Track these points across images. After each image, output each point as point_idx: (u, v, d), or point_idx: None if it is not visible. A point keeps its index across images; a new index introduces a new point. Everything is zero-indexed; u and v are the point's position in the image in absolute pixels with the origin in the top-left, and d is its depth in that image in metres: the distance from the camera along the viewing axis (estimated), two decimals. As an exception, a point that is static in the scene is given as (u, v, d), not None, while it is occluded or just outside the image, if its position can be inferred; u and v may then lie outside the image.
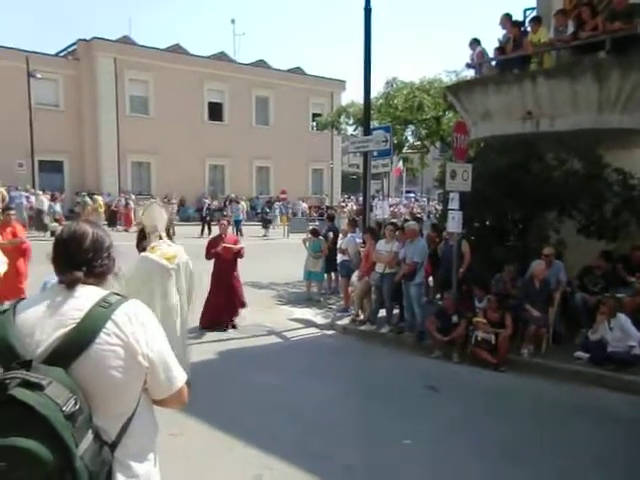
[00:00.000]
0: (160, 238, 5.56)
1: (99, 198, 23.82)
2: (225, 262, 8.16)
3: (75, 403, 1.51)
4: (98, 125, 29.39)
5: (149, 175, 31.40)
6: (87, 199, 23.61)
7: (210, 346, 7.28)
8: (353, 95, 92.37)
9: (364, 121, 10.14)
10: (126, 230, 22.06)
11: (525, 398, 5.79)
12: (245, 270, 11.81)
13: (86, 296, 1.71)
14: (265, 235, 23.17)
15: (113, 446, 1.68)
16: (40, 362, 1.56)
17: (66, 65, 29.30)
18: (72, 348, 1.60)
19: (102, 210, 23.56)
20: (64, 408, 1.47)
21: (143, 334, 1.73)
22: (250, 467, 4.11)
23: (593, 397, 5.85)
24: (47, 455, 1.42)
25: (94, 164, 29.62)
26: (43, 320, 1.65)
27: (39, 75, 23.98)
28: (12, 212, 7.95)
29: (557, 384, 6.17)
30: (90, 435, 1.57)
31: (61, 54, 31.13)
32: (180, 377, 1.87)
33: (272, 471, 4.09)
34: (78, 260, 1.76)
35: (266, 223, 24.20)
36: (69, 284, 1.73)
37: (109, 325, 1.66)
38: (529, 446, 4.60)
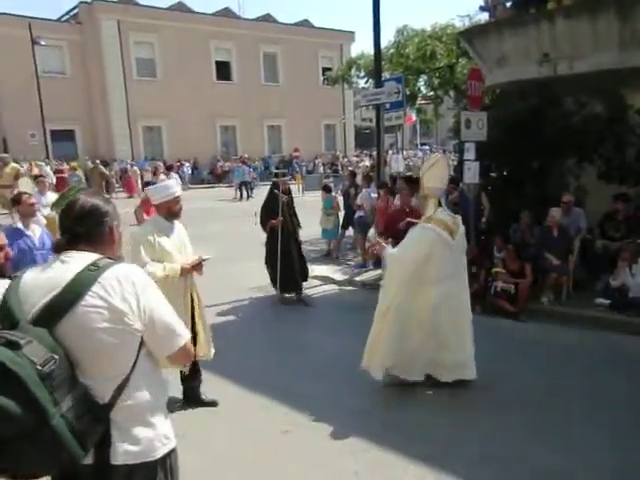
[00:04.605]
0: (440, 205, 4.66)
1: (100, 166, 22.91)
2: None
3: (54, 362, 1.55)
4: (106, 91, 29.19)
5: (160, 139, 31.32)
6: (93, 164, 23.13)
7: (229, 306, 7.39)
8: (363, 46, 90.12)
9: (375, 73, 9.87)
10: (131, 196, 21.74)
11: (548, 346, 5.80)
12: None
13: (77, 261, 1.76)
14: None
15: (107, 407, 1.71)
16: (29, 323, 1.62)
17: (69, 30, 28.92)
18: (57, 310, 1.66)
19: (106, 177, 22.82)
20: (39, 367, 1.51)
21: (134, 294, 1.75)
22: (277, 424, 4.18)
23: (615, 343, 5.83)
24: (18, 412, 1.46)
25: (105, 131, 29.60)
26: (38, 284, 1.72)
27: (43, 42, 23.62)
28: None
29: (578, 331, 6.16)
30: (76, 394, 1.60)
31: (63, 19, 30.66)
32: (182, 335, 1.89)
33: (299, 428, 4.16)
34: (64, 227, 1.86)
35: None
36: (55, 249, 1.85)
37: (95, 287, 1.70)
38: (567, 396, 4.60)
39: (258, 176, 26.80)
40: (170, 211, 4.15)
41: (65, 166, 21.00)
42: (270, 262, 7.49)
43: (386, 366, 4.60)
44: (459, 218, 4.73)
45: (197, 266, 4.15)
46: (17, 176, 14.79)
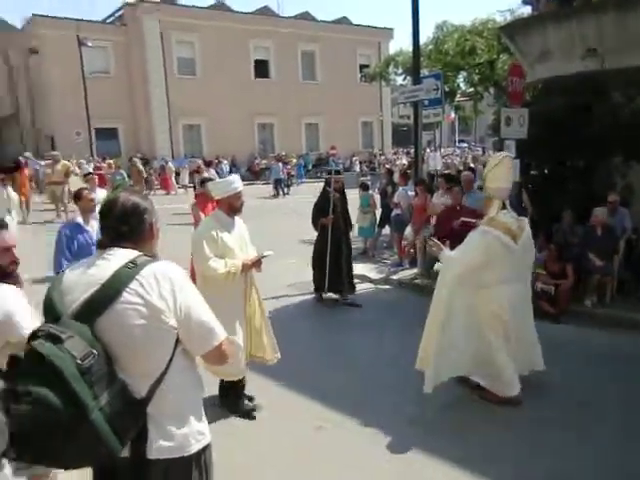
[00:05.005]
0: (504, 207, 4.42)
1: (138, 164, 22.86)
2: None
3: (93, 357, 1.59)
4: (148, 89, 29.84)
5: (200, 137, 31.81)
6: (130, 162, 23.17)
7: (267, 302, 7.43)
8: (401, 44, 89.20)
9: (413, 69, 9.76)
10: (167, 193, 22.26)
11: (587, 349, 5.63)
12: (300, 227, 11.90)
13: (117, 258, 1.79)
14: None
15: (144, 402, 1.74)
16: (70, 318, 1.67)
17: (114, 31, 29.75)
18: (96, 306, 1.70)
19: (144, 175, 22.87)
20: (79, 361, 1.55)
21: (171, 292, 1.78)
22: (313, 422, 4.20)
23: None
24: (58, 404, 1.51)
25: (147, 129, 30.27)
26: (79, 280, 1.77)
27: (90, 43, 24.36)
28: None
29: (621, 335, 5.95)
30: (114, 389, 1.64)
31: (108, 20, 31.52)
32: (218, 334, 1.90)
33: (336, 427, 4.16)
34: (107, 226, 1.89)
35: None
36: (98, 246, 1.88)
37: (133, 284, 1.73)
38: (605, 401, 4.50)
39: (296, 174, 26.91)
40: (232, 206, 4.08)
41: (103, 164, 21.49)
42: (318, 261, 7.37)
43: (441, 381, 4.39)
44: (524, 221, 4.47)
45: (257, 263, 4.09)
46: (67, 173, 15.34)
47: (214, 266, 3.82)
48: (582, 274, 6.88)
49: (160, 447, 1.77)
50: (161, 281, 1.77)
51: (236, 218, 4.16)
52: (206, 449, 1.92)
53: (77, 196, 5.29)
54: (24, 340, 2.14)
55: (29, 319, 2.28)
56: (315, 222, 7.32)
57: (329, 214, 7.08)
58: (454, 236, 5.10)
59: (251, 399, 4.42)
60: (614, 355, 5.47)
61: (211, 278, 3.89)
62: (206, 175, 11.59)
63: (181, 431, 1.82)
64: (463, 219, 6.40)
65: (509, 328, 4.36)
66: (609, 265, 6.89)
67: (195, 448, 1.86)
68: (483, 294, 4.31)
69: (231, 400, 4.30)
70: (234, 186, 4.07)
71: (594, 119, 7.27)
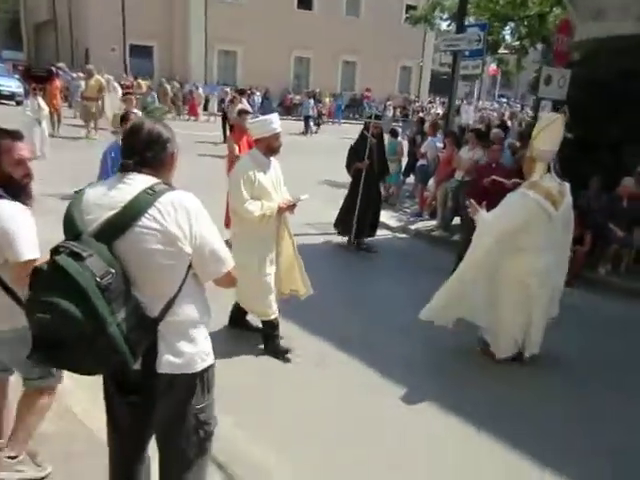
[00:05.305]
0: (548, 170, 4.20)
1: (168, 87, 22.93)
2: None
3: (112, 276, 1.70)
4: (188, 10, 29.13)
5: (235, 65, 31.27)
6: (163, 81, 23.39)
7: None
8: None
9: (458, 16, 9.43)
10: (194, 119, 22.11)
11: (595, 316, 5.74)
12: (324, 168, 11.94)
13: (137, 183, 1.87)
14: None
15: (156, 321, 1.88)
16: (90, 237, 1.76)
17: (158, -56, 28.68)
18: (115, 228, 1.79)
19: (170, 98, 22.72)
20: (99, 279, 1.66)
21: (187, 220, 1.86)
22: (313, 357, 4.38)
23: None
24: (80, 317, 1.63)
25: (182, 51, 29.77)
26: (100, 201, 1.84)
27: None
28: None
29: (633, 304, 6.05)
30: (129, 307, 1.76)
31: None
32: (228, 262, 2.02)
33: (328, 359, 4.37)
34: (132, 150, 1.94)
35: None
36: (122, 169, 1.92)
37: (152, 211, 1.81)
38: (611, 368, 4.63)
39: (334, 113, 26.29)
40: (270, 147, 4.02)
41: (131, 81, 21.28)
42: (349, 207, 7.29)
43: (445, 319, 4.48)
44: (566, 186, 4.25)
45: (292, 206, 4.10)
46: (100, 89, 15.20)
47: (251, 209, 3.87)
48: (600, 242, 6.87)
49: (169, 362, 1.92)
50: (178, 209, 1.85)
51: (272, 159, 4.12)
52: (210, 368, 2.07)
53: (124, 118, 5.34)
54: (20, 263, 2.26)
55: (28, 242, 2.30)
56: (349, 166, 7.21)
57: (364, 159, 6.99)
58: (485, 195, 5.01)
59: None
60: (621, 322, 5.58)
61: (246, 217, 3.97)
62: (242, 106, 11.53)
63: (188, 350, 1.96)
64: (494, 177, 6.34)
65: (530, 302, 4.31)
66: (629, 237, 6.87)
67: (200, 366, 2.01)
68: (516, 259, 4.21)
69: (269, 342, 4.37)
70: (273, 126, 3.99)
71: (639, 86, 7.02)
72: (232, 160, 6.28)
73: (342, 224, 7.54)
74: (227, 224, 5.95)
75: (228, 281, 2.08)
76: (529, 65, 17.77)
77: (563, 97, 7.07)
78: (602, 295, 6.30)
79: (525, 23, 13.09)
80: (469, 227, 4.99)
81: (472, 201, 4.43)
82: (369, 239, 7.61)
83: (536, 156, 4.17)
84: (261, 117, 4.33)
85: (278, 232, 4.21)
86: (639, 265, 6.96)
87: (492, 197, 4.56)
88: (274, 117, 4.14)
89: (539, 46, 13.90)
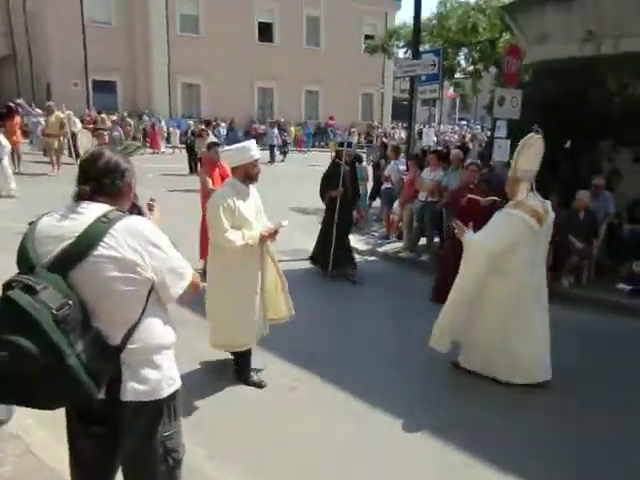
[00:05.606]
0: (532, 189, 4.30)
1: (131, 121, 23.09)
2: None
3: (68, 307, 1.68)
4: (149, 44, 29.34)
5: (198, 97, 31.45)
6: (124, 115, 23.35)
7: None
8: (409, 15, 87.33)
9: (413, 43, 9.75)
10: (155, 152, 21.97)
11: (560, 328, 5.84)
12: (291, 195, 12.01)
13: (91, 212, 1.85)
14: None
15: (119, 349, 1.86)
16: (44, 269, 1.73)
17: (117, -19, 28.94)
18: (71, 259, 1.77)
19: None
20: (55, 311, 1.63)
21: (143, 246, 1.86)
22: (287, 381, 4.37)
23: (631, 328, 5.86)
24: (36, 351, 1.60)
25: (145, 85, 29.86)
26: (54, 231, 1.82)
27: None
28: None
29: (595, 315, 6.18)
30: (89, 337, 1.74)
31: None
32: (188, 273, 2.01)
33: (304, 384, 4.35)
34: (88, 176, 1.93)
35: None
36: (76, 196, 1.91)
37: (107, 239, 1.80)
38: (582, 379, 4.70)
39: (292, 141, 26.63)
40: (248, 174, 3.96)
41: (95, 116, 21.20)
42: (325, 236, 7.22)
43: (453, 339, 4.51)
44: (549, 203, 4.39)
45: (274, 233, 4.04)
46: (62, 126, 15.08)
47: (232, 238, 3.79)
48: (560, 254, 7.07)
49: (134, 390, 1.89)
50: (134, 235, 1.85)
51: (251, 186, 4.06)
52: (176, 393, 2.04)
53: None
54: None
55: None
56: (323, 194, 7.18)
57: (338, 186, 6.95)
58: (467, 215, 5.12)
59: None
60: (581, 333, 5.69)
61: (228, 248, 3.88)
62: (211, 139, 11.54)
63: (154, 376, 1.94)
64: (470, 196, 6.45)
65: (511, 317, 4.36)
66: (587, 248, 7.09)
67: (166, 392, 1.98)
68: (503, 279, 4.26)
69: (242, 370, 4.31)
70: (251, 153, 3.95)
71: (587, 104, 7.36)
72: (206, 193, 6.19)
73: (322, 256, 7.37)
74: (202, 255, 5.90)
75: (192, 290, 2.06)
76: (484, 88, 18.41)
77: (517, 116, 7.35)
78: (568, 307, 6.37)
79: (477, 48, 13.63)
80: (454, 248, 5.05)
81: (458, 222, 4.49)
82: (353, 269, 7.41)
83: (520, 177, 4.26)
84: (238, 144, 4.28)
85: (261, 262, 4.12)
86: (601, 276, 7.16)
87: (473, 218, 4.64)
88: (252, 144, 4.10)
89: (492, 69, 14.41)
